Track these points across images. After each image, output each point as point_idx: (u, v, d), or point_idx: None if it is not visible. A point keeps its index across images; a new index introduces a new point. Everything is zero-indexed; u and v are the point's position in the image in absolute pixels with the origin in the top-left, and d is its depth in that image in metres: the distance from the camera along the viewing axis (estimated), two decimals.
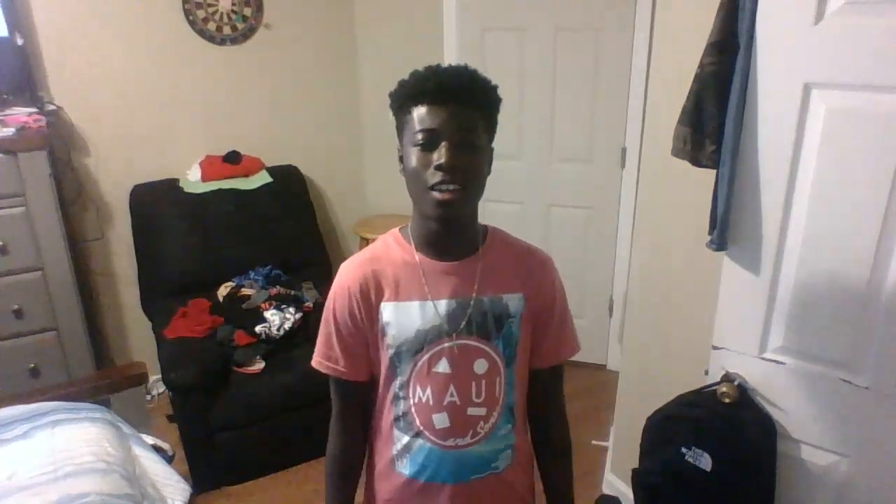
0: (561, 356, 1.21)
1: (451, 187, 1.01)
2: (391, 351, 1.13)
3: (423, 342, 1.11)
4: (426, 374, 1.12)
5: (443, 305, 1.11)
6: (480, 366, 1.13)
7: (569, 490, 1.28)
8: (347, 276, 1.17)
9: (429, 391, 1.12)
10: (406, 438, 1.16)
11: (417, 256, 1.12)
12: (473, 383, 1.13)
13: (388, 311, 1.12)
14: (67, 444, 1.68)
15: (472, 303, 1.11)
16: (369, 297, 1.13)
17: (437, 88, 1.04)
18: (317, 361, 1.19)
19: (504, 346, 1.14)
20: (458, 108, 1.03)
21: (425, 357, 1.11)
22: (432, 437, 1.14)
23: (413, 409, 1.14)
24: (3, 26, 2.49)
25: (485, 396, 1.13)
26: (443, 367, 1.11)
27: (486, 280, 1.13)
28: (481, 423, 1.14)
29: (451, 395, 1.12)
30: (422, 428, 1.14)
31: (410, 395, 1.14)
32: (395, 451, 1.18)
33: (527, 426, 1.26)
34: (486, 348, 1.13)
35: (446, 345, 1.11)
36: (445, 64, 1.11)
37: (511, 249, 1.19)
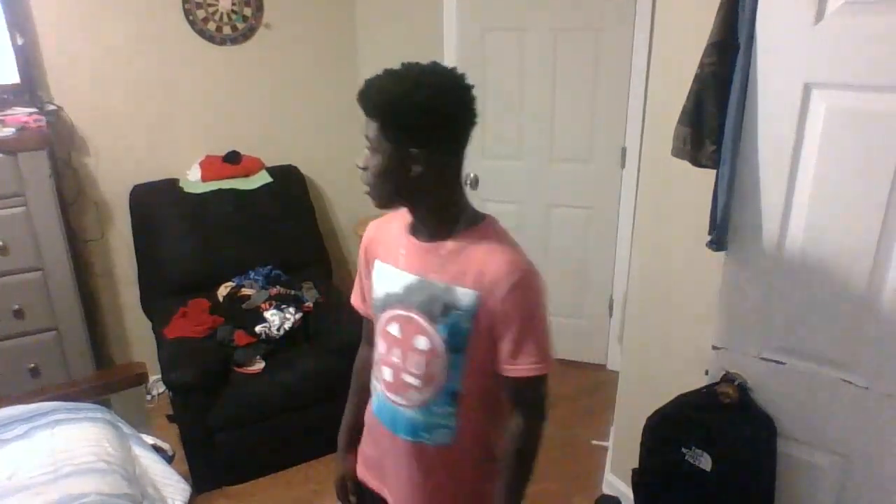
0: (513, 372, 1.19)
1: (364, 185, 1.19)
2: (372, 301, 1.32)
3: (386, 304, 1.27)
4: (384, 330, 1.28)
5: (407, 277, 1.23)
6: (420, 342, 1.22)
7: (500, 500, 1.27)
8: (368, 229, 1.38)
9: (384, 346, 1.29)
10: (374, 380, 1.36)
11: (406, 230, 1.26)
12: (414, 355, 1.24)
13: (376, 268, 1.31)
14: (67, 444, 1.67)
15: (426, 283, 1.21)
16: (370, 251, 1.34)
17: (358, 99, 1.17)
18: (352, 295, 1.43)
19: (448, 334, 1.19)
20: (367, 118, 1.16)
21: (385, 316, 1.27)
22: (381, 386, 1.32)
23: (377, 356, 1.32)
24: (3, 26, 2.49)
25: (422, 372, 1.23)
26: (394, 330, 1.26)
27: (446, 266, 1.20)
28: (414, 392, 1.25)
29: (395, 357, 1.26)
30: (378, 375, 1.33)
31: (377, 343, 1.31)
32: (371, 387, 1.38)
33: (496, 420, 1.28)
34: (429, 329, 1.21)
35: (399, 312, 1.24)
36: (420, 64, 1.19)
37: (483, 247, 1.20)
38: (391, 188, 1.18)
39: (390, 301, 1.25)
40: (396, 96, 1.13)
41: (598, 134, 3.10)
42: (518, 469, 1.25)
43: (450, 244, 1.20)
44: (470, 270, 1.18)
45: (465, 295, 1.17)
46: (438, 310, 1.19)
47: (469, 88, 1.16)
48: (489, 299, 1.16)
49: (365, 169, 1.17)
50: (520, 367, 1.19)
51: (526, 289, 1.17)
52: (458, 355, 1.21)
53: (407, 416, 1.28)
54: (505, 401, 1.26)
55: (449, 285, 1.19)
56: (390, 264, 1.27)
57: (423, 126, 1.13)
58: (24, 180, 2.41)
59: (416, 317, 1.22)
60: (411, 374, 1.25)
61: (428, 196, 1.19)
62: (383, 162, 1.15)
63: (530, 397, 1.24)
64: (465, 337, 1.19)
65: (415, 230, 1.24)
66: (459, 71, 1.17)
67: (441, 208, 1.21)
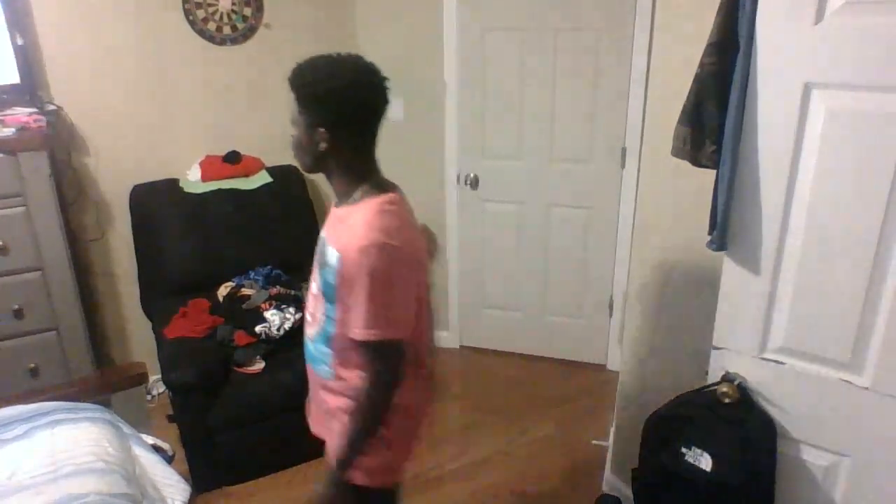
0: (348, 330, 1.37)
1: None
2: None
3: (317, 250, 1.49)
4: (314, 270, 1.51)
5: (322, 233, 1.49)
6: (313, 286, 1.50)
7: (350, 433, 1.41)
8: None
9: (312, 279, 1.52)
10: None
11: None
12: (311, 296, 1.52)
13: None
14: (67, 444, 1.67)
15: (322, 239, 1.46)
16: None
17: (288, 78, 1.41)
18: None
19: (323, 284, 1.43)
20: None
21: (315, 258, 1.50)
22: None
23: None
24: (3, 26, 2.49)
25: (312, 311, 1.51)
26: (313, 272, 1.50)
27: (334, 228, 1.44)
28: (308, 327, 1.53)
29: (309, 295, 1.54)
30: None
31: None
32: None
33: (358, 371, 1.42)
34: (317, 277, 1.46)
35: (315, 258, 1.49)
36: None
37: (359, 216, 1.36)
38: (306, 158, 1.44)
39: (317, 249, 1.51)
40: (310, 81, 1.37)
41: (598, 134, 3.10)
42: (351, 423, 1.41)
43: (343, 210, 1.42)
44: (343, 234, 1.38)
45: (332, 254, 1.38)
46: (321, 262, 1.43)
47: (378, 84, 1.37)
48: (346, 261, 1.34)
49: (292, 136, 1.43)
50: (357, 330, 1.34)
51: (367, 256, 1.30)
52: (330, 304, 1.42)
53: (308, 347, 1.54)
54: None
55: (327, 244, 1.42)
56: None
57: (329, 109, 1.35)
58: (24, 180, 2.41)
59: (315, 265, 1.48)
60: (309, 311, 1.53)
61: (336, 168, 1.42)
62: (298, 135, 1.41)
63: (368, 359, 1.37)
64: (332, 289, 1.39)
65: (335, 195, 1.48)
66: (375, 66, 1.39)
67: (346, 180, 1.43)
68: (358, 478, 1.46)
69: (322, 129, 1.35)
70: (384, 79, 1.39)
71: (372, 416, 1.40)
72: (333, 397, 1.50)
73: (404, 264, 1.36)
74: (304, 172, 1.52)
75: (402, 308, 1.37)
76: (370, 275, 1.30)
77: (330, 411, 1.52)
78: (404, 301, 1.38)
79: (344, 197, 1.43)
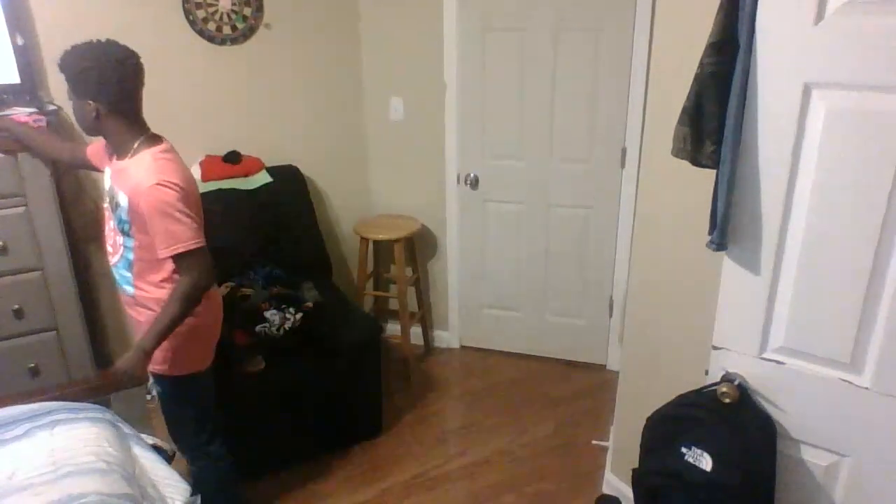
0: (161, 255, 1.76)
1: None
2: None
3: (105, 195, 1.94)
4: (107, 213, 1.94)
5: (107, 183, 1.91)
6: (111, 223, 1.90)
7: (163, 317, 1.79)
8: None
9: (106, 228, 1.96)
10: None
11: (112, 152, 1.89)
12: (110, 233, 1.93)
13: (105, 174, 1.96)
14: (67, 444, 1.67)
15: (111, 188, 1.86)
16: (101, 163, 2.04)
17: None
18: None
19: (118, 222, 1.86)
20: None
21: (105, 204, 1.95)
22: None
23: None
24: (3, 26, 2.49)
25: (112, 242, 1.94)
26: (106, 214, 1.94)
27: (120, 177, 1.82)
28: (111, 254, 1.96)
29: (106, 230, 1.96)
30: None
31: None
32: None
33: (161, 284, 1.88)
34: (112, 216, 1.89)
35: (105, 205, 1.94)
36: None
37: (140, 166, 1.76)
38: (85, 126, 1.82)
39: (104, 194, 1.94)
40: (70, 65, 1.72)
41: (598, 134, 3.10)
42: (167, 306, 1.78)
43: (123, 162, 1.81)
44: (129, 181, 1.77)
45: (122, 197, 1.80)
46: (113, 206, 1.86)
47: (124, 59, 1.74)
48: (136, 201, 1.75)
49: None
50: (162, 251, 1.75)
51: (156, 192, 1.71)
52: (126, 237, 1.85)
53: (113, 273, 1.98)
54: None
55: (117, 190, 1.82)
56: (102, 167, 1.98)
57: (88, 86, 1.72)
58: (24, 180, 2.41)
59: (107, 206, 1.90)
60: (109, 244, 1.95)
61: (110, 130, 1.81)
62: (76, 110, 1.80)
63: (183, 267, 1.77)
64: (127, 225, 1.82)
65: (113, 152, 1.87)
66: (123, 45, 1.76)
67: (120, 139, 1.82)
68: (177, 370, 1.96)
69: (90, 102, 1.73)
70: (131, 55, 1.77)
71: (181, 303, 1.77)
72: (138, 310, 1.94)
73: (183, 195, 1.74)
74: (87, 135, 1.90)
75: (190, 225, 1.74)
76: (161, 206, 1.70)
77: (138, 325, 1.96)
78: (190, 221, 1.75)
79: (122, 151, 1.82)
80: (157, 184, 1.71)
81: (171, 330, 1.80)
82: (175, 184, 1.74)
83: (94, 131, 1.82)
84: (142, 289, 1.91)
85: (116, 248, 1.91)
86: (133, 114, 1.83)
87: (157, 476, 1.82)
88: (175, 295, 1.79)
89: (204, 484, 2.06)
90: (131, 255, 1.87)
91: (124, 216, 1.81)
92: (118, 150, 1.83)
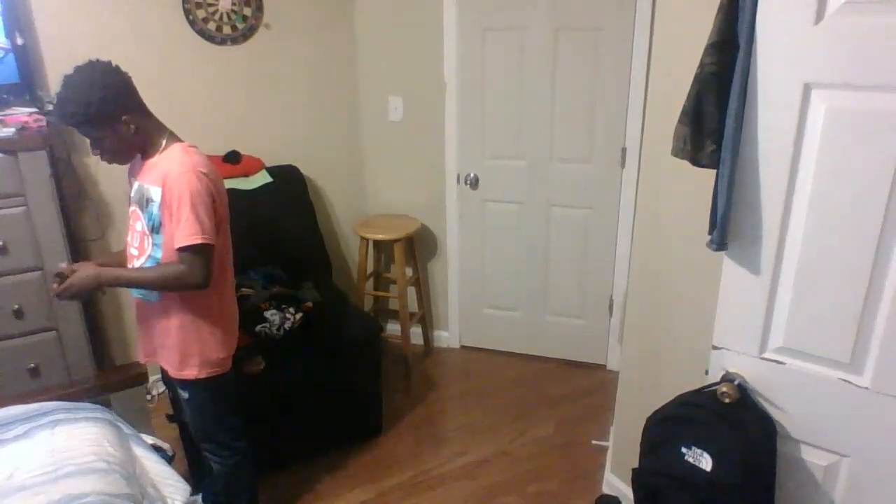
0: (175, 244, 1.74)
1: (114, 163, 1.86)
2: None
3: (132, 202, 1.89)
4: (130, 218, 1.91)
5: (135, 184, 1.88)
6: (138, 226, 1.86)
7: (138, 272, 1.85)
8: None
9: (129, 234, 1.92)
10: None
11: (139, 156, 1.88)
12: (136, 235, 1.87)
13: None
14: (67, 443, 1.67)
15: (141, 186, 1.83)
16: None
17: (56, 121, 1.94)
18: None
19: (148, 220, 1.81)
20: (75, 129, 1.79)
21: (130, 210, 1.90)
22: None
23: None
24: (3, 26, 2.49)
25: (137, 245, 1.87)
26: (132, 219, 1.89)
27: (148, 173, 1.81)
28: (135, 259, 1.88)
29: (129, 237, 1.91)
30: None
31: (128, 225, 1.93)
32: None
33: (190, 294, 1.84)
34: (142, 216, 1.84)
35: (133, 209, 1.88)
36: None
37: (167, 159, 1.78)
38: (132, 149, 1.83)
39: (132, 200, 1.88)
40: (81, 105, 1.68)
41: (598, 134, 3.10)
42: (152, 269, 1.81)
43: (153, 160, 1.82)
44: (160, 172, 1.77)
45: (155, 191, 1.77)
46: (143, 204, 1.82)
47: (111, 71, 1.74)
48: (166, 190, 1.73)
49: (102, 155, 1.80)
50: (179, 240, 1.72)
51: (185, 180, 1.72)
52: (157, 235, 1.80)
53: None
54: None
55: (147, 186, 1.80)
56: (133, 180, 1.90)
57: (117, 107, 1.72)
58: (24, 180, 2.41)
59: (136, 209, 1.85)
60: (133, 248, 1.88)
61: (146, 138, 1.82)
62: (109, 146, 1.77)
63: (187, 258, 1.74)
64: (158, 220, 1.78)
65: (143, 156, 1.85)
66: (102, 61, 1.75)
67: (152, 141, 1.83)
68: (203, 373, 1.92)
69: (123, 119, 1.74)
70: (109, 61, 1.77)
71: (163, 278, 1.78)
72: (163, 320, 1.89)
73: (207, 188, 1.75)
74: (123, 165, 1.89)
75: (209, 222, 1.74)
76: (189, 194, 1.71)
77: (163, 332, 1.90)
78: (210, 216, 1.75)
79: (152, 151, 1.83)
80: (189, 171, 1.73)
81: (134, 285, 1.87)
82: (205, 174, 1.77)
83: (135, 149, 1.83)
84: (171, 295, 1.86)
85: (143, 250, 1.85)
86: (149, 114, 1.85)
87: (157, 476, 1.82)
88: (165, 270, 1.79)
89: (237, 481, 2.14)
90: (160, 254, 1.82)
91: (156, 211, 1.78)
92: (148, 151, 1.84)
